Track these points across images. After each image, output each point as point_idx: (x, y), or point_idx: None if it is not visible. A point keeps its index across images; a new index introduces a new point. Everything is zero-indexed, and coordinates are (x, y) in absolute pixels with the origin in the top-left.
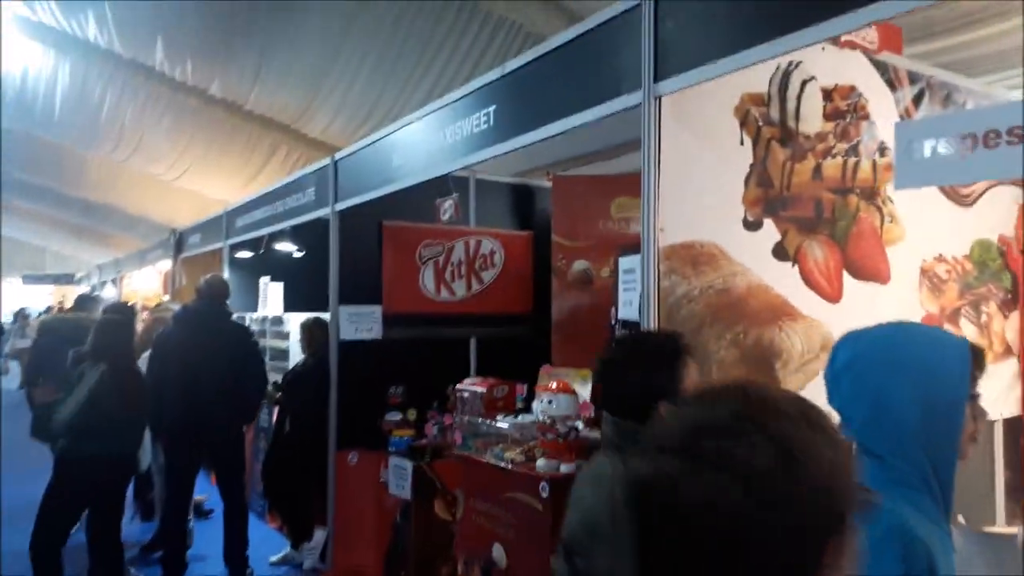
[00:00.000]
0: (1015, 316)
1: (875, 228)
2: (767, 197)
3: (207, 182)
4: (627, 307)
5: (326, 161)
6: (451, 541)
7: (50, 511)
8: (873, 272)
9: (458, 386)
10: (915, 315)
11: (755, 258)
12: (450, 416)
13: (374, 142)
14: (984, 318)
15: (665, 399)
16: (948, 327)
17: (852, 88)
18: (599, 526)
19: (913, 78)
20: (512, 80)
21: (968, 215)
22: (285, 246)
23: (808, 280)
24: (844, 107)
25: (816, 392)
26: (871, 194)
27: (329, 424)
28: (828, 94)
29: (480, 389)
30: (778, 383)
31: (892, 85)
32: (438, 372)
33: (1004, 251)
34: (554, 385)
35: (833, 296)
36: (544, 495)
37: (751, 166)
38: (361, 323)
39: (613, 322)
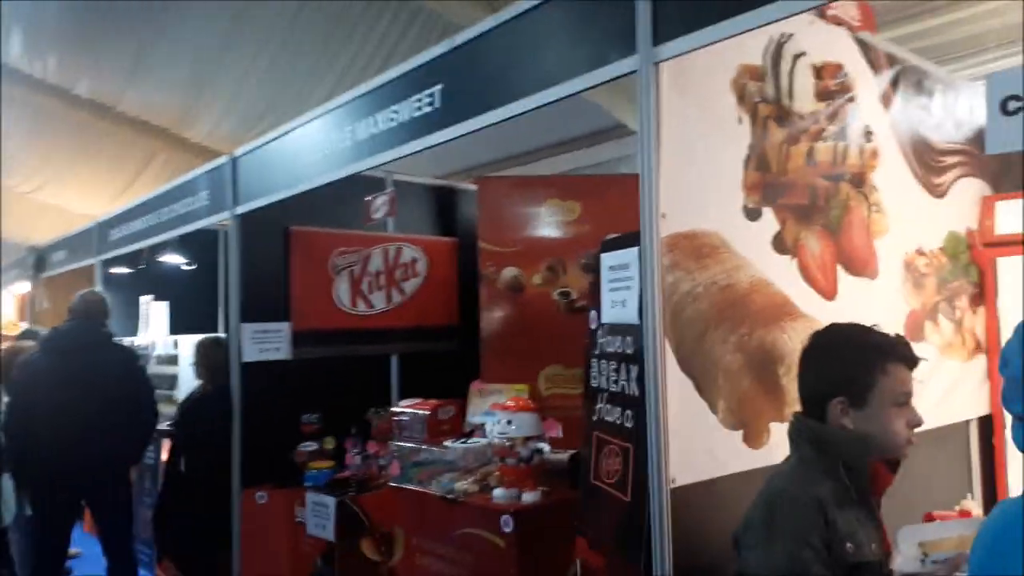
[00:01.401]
0: (982, 312)
1: (864, 218)
2: (764, 182)
3: (71, 195)
4: (617, 308)
5: (223, 159)
6: None
7: None
8: (863, 266)
9: (395, 408)
10: (901, 312)
11: (755, 250)
12: (374, 443)
13: (281, 135)
14: (958, 314)
15: (843, 399)
16: (928, 324)
17: (840, 67)
18: (752, 522)
19: (890, 60)
20: (465, 54)
21: (940, 206)
22: (171, 259)
23: (806, 275)
24: (833, 87)
25: None
26: (859, 182)
27: (232, 459)
28: (818, 72)
29: (423, 411)
30: (782, 390)
31: (873, 66)
32: (356, 394)
33: (970, 245)
34: (511, 403)
35: (829, 292)
36: (507, 530)
37: (750, 147)
38: (267, 342)
39: (594, 327)
